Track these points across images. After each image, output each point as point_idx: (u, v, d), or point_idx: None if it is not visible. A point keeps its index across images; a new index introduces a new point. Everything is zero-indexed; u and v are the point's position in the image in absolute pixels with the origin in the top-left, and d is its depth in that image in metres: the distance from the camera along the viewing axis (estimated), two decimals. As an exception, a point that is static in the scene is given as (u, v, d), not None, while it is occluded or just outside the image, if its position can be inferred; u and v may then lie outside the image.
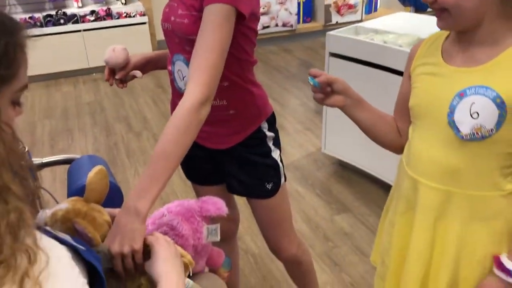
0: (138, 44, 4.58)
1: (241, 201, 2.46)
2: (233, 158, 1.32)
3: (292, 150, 3.04)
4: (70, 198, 0.94)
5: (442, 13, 0.86)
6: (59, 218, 0.89)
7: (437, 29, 0.94)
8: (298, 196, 2.57)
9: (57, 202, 1.02)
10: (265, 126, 1.31)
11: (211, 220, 1.11)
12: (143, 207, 0.92)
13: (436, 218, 0.97)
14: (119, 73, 1.32)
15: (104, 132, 3.44)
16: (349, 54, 2.38)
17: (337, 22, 5.30)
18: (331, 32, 2.50)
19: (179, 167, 1.48)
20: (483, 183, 0.91)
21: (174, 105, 1.34)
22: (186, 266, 0.94)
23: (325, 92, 1.05)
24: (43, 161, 1.35)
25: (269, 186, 1.33)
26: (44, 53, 4.27)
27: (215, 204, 1.11)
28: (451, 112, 0.89)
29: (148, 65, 1.39)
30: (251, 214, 2.35)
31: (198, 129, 1.03)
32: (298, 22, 5.28)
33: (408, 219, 1.03)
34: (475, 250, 0.95)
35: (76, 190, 1.17)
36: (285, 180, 1.39)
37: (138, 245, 0.89)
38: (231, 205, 1.57)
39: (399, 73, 2.15)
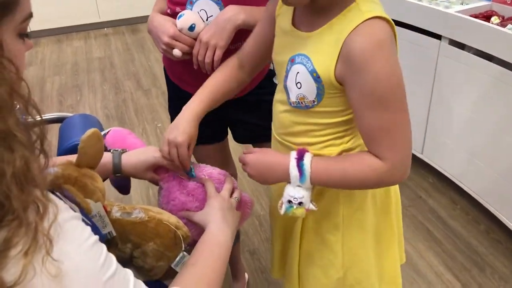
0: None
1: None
2: (246, 105, 1.26)
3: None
4: (60, 161, 0.88)
5: None
6: (47, 183, 0.83)
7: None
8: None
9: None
10: (272, 65, 1.27)
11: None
12: (245, 18, 1.03)
13: None
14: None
15: (113, 89, 3.38)
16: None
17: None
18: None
19: None
20: (308, 142, 0.90)
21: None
22: (183, 239, 0.90)
23: None
24: (35, 119, 1.29)
25: None
26: (56, 7, 4.18)
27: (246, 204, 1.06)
28: (286, 77, 0.87)
29: None
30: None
31: None
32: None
33: None
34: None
35: (65, 150, 1.12)
36: None
37: (223, 44, 1.03)
38: (228, 161, 1.54)
39: (419, 30, 2.02)
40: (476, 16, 1.85)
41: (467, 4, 1.99)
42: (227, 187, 0.98)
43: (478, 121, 1.86)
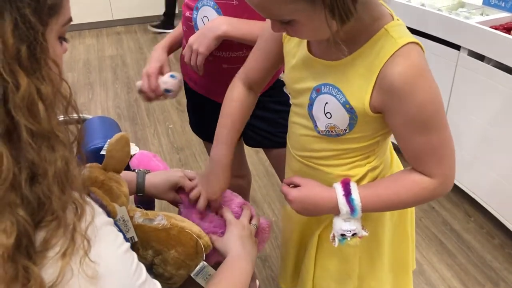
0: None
1: (260, 167, 2.42)
2: (254, 111, 1.27)
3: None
4: (88, 163, 0.88)
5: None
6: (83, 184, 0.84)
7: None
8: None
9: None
10: (282, 75, 1.30)
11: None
12: (226, 30, 1.08)
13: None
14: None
15: (125, 88, 3.38)
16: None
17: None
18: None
19: (191, 127, 1.48)
20: (334, 164, 0.90)
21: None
22: (204, 248, 0.91)
23: None
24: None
25: None
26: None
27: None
28: (311, 105, 0.85)
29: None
30: (269, 181, 2.31)
31: None
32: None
33: None
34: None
35: (85, 153, 1.12)
36: None
37: (203, 50, 1.09)
38: (242, 162, 1.58)
39: (438, 39, 2.01)
40: (496, 28, 1.83)
41: (487, 15, 1.97)
42: (245, 214, 1.00)
43: (496, 133, 1.84)
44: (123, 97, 3.26)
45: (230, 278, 0.82)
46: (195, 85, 1.32)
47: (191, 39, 1.12)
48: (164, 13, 4.33)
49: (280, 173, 1.41)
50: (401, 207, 0.87)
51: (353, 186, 0.83)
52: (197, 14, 1.18)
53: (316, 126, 0.86)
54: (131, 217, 0.89)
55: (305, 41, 0.84)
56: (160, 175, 1.01)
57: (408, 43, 0.73)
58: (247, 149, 1.48)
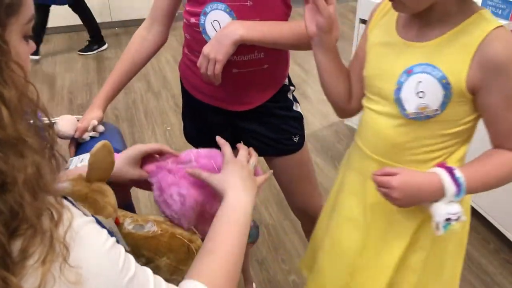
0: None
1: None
2: (258, 116, 1.28)
3: (313, 119, 2.94)
4: (72, 175, 0.84)
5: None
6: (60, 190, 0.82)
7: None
8: (317, 168, 2.49)
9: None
10: (287, 80, 1.30)
11: None
12: (243, 33, 1.06)
13: (367, 184, 0.96)
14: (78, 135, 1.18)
15: (123, 90, 3.36)
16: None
17: (370, -15, 5.05)
18: (364, -3, 2.34)
19: (186, 140, 1.45)
20: (417, 160, 0.90)
21: (186, 63, 1.29)
22: (196, 252, 0.86)
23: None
24: (52, 121, 1.28)
25: (296, 139, 1.31)
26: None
27: None
28: (398, 89, 0.86)
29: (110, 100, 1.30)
30: (267, 184, 2.31)
31: None
32: (329, -17, 5.05)
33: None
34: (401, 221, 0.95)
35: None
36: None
37: (221, 58, 1.06)
38: None
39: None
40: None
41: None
42: (243, 154, 0.91)
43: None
44: (121, 98, 3.26)
45: (227, 240, 0.73)
46: (199, 94, 1.28)
47: (206, 48, 1.08)
48: (91, 36, 4.09)
49: (281, 181, 1.40)
50: (500, 184, 0.87)
51: (455, 167, 0.84)
52: (205, 19, 1.13)
53: (404, 109, 0.86)
54: (121, 224, 0.88)
55: (393, 28, 0.89)
56: (121, 156, 0.93)
57: (501, 26, 0.78)
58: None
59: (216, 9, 1.11)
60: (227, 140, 1.36)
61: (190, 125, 1.42)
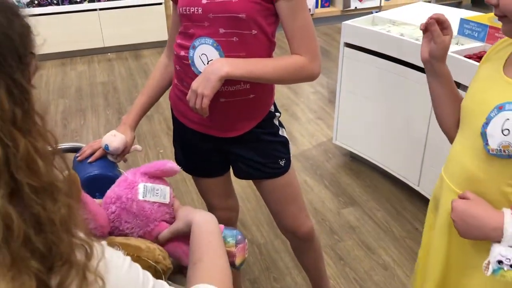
0: (153, 23, 4.57)
1: (248, 190, 2.47)
2: (245, 142, 1.34)
3: (302, 139, 3.02)
4: None
5: (502, 19, 0.85)
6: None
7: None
8: (306, 187, 2.55)
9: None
10: (272, 106, 1.37)
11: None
12: (228, 70, 1.13)
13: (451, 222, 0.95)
14: (119, 157, 1.30)
15: (117, 114, 3.44)
16: (364, 45, 2.33)
17: (356, 7, 5.19)
18: (347, 22, 2.44)
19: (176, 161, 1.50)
20: (498, 200, 0.89)
21: (176, 93, 1.35)
22: (163, 272, 0.90)
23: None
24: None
25: (282, 163, 1.38)
26: (60, 31, 4.28)
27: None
28: (486, 123, 0.87)
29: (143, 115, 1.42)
30: (258, 204, 2.36)
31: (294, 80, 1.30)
32: (316, 6, 5.19)
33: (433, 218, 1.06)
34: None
35: (81, 181, 1.17)
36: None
37: (208, 93, 1.13)
38: (231, 194, 1.60)
39: (415, 67, 2.11)
40: (470, 57, 1.94)
41: (462, 44, 2.08)
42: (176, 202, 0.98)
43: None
44: (115, 123, 3.31)
45: (208, 247, 0.83)
46: (188, 122, 1.35)
47: (194, 84, 1.15)
48: None
49: (269, 203, 1.46)
50: None
51: None
52: (194, 53, 1.21)
53: (487, 144, 0.87)
54: None
55: (501, 65, 0.91)
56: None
57: None
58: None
59: (204, 43, 1.19)
60: (216, 165, 1.44)
61: (180, 151, 1.47)
